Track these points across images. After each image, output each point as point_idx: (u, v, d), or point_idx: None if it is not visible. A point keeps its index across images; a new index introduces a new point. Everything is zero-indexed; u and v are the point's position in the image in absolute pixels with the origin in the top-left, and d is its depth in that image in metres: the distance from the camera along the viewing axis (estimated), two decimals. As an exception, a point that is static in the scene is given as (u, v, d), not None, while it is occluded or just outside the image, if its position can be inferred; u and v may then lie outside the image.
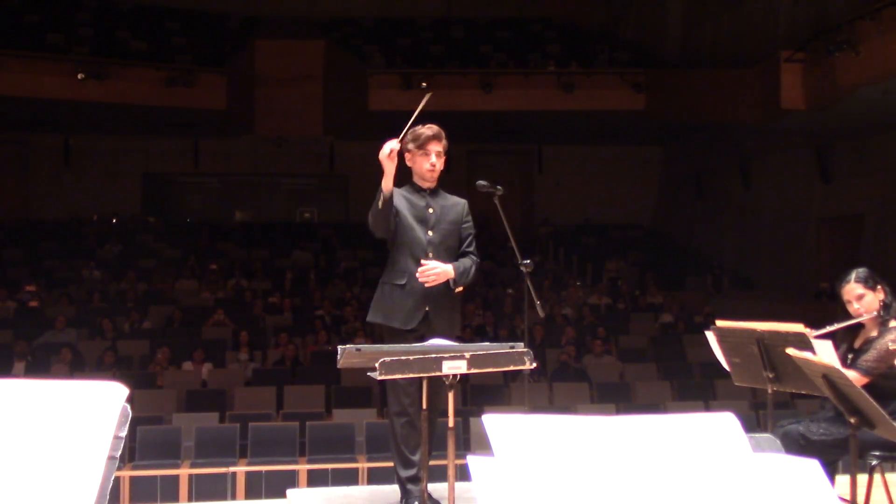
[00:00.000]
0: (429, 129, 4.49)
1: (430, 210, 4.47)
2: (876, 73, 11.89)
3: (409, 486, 4.32)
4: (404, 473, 4.34)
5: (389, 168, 4.21)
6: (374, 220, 4.31)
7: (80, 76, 15.54)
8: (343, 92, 18.17)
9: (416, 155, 4.47)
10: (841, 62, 12.49)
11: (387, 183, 4.23)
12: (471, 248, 4.56)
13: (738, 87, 15.38)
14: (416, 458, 4.31)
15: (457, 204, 4.57)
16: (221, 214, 22.32)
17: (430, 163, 4.45)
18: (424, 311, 4.34)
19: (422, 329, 4.31)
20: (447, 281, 4.35)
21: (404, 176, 4.58)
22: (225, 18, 20.71)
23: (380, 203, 4.24)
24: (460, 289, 4.42)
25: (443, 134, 4.51)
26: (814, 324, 4.19)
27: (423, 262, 4.34)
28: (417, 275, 4.30)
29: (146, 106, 16.46)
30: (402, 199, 4.45)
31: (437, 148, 4.47)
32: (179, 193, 22.94)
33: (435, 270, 4.31)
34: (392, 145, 4.22)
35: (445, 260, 4.43)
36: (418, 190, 4.52)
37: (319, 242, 18.79)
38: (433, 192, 4.53)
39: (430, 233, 4.44)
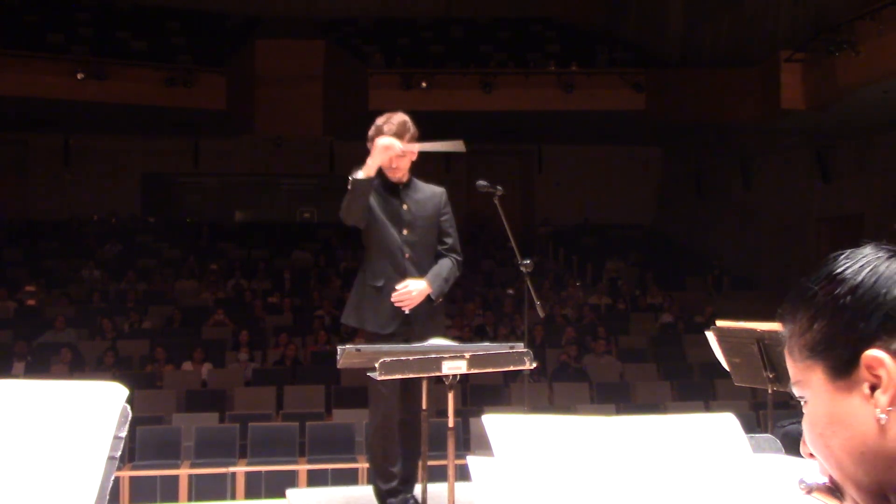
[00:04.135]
0: (387, 128, 4.19)
1: (405, 206, 4.24)
2: (876, 73, 11.89)
3: (390, 501, 4.21)
4: (385, 487, 4.22)
5: (378, 158, 4.06)
6: (346, 204, 4.13)
7: (79, 76, 15.52)
8: (343, 92, 18.18)
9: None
10: (841, 62, 12.49)
11: (369, 169, 4.05)
12: (451, 243, 4.34)
13: (738, 87, 15.38)
14: (395, 469, 4.21)
15: (433, 195, 4.33)
16: (221, 214, 22.31)
17: (389, 168, 4.21)
18: (403, 315, 4.16)
19: (403, 333, 4.17)
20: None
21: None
22: (225, 18, 20.70)
23: (358, 187, 4.05)
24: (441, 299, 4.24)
25: (404, 130, 4.20)
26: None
27: (396, 287, 4.14)
28: (393, 300, 4.12)
29: (146, 106, 16.44)
30: (373, 195, 4.21)
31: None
32: (179, 193, 22.94)
33: (411, 294, 4.12)
34: (394, 143, 4.07)
35: (425, 258, 4.25)
36: (390, 185, 4.27)
37: (319, 242, 18.79)
38: (407, 185, 4.29)
39: (405, 231, 4.22)
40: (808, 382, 1.06)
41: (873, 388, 0.99)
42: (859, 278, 1.02)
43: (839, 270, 1.04)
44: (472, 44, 19.50)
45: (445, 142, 4.24)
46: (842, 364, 1.01)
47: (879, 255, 1.04)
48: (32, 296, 14.50)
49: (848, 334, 1.01)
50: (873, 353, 0.99)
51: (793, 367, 1.09)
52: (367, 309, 4.22)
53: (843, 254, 1.06)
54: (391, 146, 4.08)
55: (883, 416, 0.98)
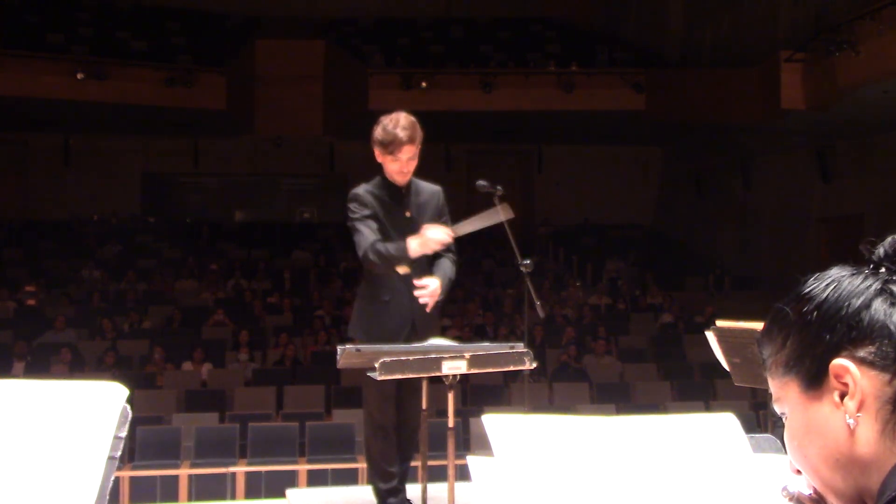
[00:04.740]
0: (402, 132, 4.04)
1: (408, 213, 4.16)
2: (876, 73, 11.89)
3: (390, 500, 4.21)
4: (384, 486, 4.20)
5: (428, 247, 3.98)
6: (381, 266, 4.03)
7: (79, 76, 15.51)
8: (343, 92, 18.18)
9: (386, 160, 4.12)
10: (841, 62, 12.48)
11: (414, 253, 3.98)
12: (450, 245, 4.24)
13: (738, 87, 15.38)
14: (394, 469, 4.20)
15: (432, 195, 4.26)
16: (221, 214, 22.30)
17: (401, 172, 4.11)
18: (411, 322, 4.13)
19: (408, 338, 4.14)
20: None
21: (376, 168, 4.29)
22: (225, 18, 20.70)
23: (400, 263, 4.00)
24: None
25: (416, 132, 4.09)
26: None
27: (415, 282, 4.05)
28: (421, 298, 4.02)
29: (146, 106, 16.44)
30: (374, 202, 4.12)
31: (409, 153, 4.08)
32: (179, 193, 22.92)
33: (436, 292, 4.04)
34: (444, 236, 3.98)
35: (425, 263, 4.17)
36: (391, 188, 4.17)
37: (319, 242, 18.79)
38: (408, 188, 4.20)
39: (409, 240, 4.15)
40: (786, 398, 1.13)
41: (842, 396, 1.06)
42: (824, 295, 1.10)
43: (807, 290, 1.12)
44: (472, 44, 19.50)
45: (485, 213, 4.13)
46: (812, 375, 1.09)
47: (843, 273, 1.11)
48: (32, 296, 14.50)
49: (816, 347, 1.08)
50: (839, 362, 1.06)
51: (772, 385, 1.15)
52: (375, 324, 4.15)
53: (812, 276, 1.14)
54: (442, 241, 4.01)
55: (851, 420, 1.05)
